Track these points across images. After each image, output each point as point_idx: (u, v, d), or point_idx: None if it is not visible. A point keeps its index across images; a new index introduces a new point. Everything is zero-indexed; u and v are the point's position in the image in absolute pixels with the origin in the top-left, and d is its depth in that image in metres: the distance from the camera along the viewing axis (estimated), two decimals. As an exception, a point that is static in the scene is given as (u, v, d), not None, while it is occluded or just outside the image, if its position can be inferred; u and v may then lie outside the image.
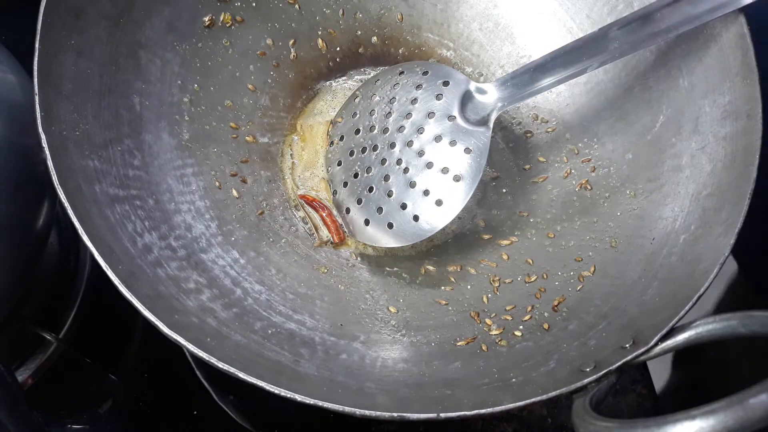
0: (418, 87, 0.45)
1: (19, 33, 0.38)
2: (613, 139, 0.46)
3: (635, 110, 0.45)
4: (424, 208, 0.43)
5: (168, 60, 0.44)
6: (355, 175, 0.46)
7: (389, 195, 0.44)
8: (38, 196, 0.39)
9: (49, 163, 0.33)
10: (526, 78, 0.42)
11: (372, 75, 0.50)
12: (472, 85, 0.44)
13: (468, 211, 0.48)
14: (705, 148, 0.40)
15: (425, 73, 0.45)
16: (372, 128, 0.46)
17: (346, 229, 0.46)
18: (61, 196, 0.33)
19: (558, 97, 0.49)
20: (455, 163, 0.43)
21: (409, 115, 0.44)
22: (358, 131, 0.47)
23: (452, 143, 0.43)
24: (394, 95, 0.46)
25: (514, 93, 0.43)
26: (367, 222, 0.45)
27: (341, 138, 0.48)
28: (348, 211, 0.46)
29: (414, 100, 0.45)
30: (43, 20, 0.35)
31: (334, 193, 0.47)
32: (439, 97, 0.44)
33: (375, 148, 0.45)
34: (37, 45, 0.35)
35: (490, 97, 0.43)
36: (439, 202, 0.43)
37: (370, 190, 0.45)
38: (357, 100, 0.48)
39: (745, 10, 0.38)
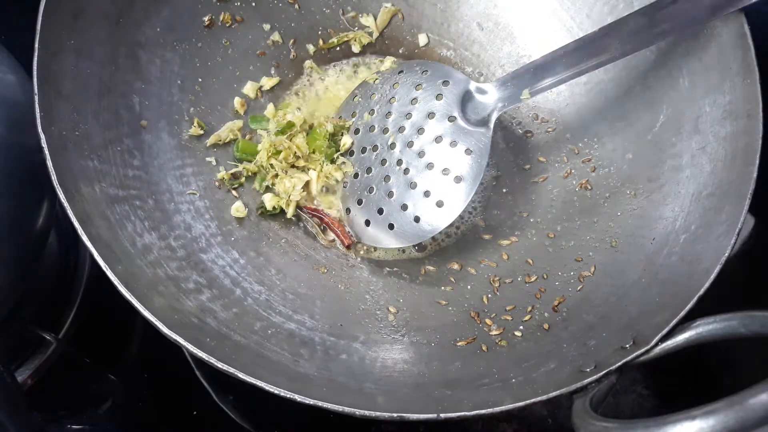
0: (418, 87, 0.45)
1: (19, 33, 0.38)
2: (613, 139, 0.46)
3: (636, 110, 0.45)
4: (425, 209, 0.43)
5: (168, 60, 0.44)
6: (356, 176, 0.46)
7: (390, 196, 0.44)
8: (38, 196, 0.39)
9: (49, 163, 0.33)
10: (527, 78, 0.42)
11: (372, 74, 0.50)
12: (472, 85, 0.44)
13: (469, 211, 0.48)
14: (705, 147, 0.40)
15: (425, 72, 0.45)
16: (372, 128, 0.46)
17: (351, 232, 0.46)
18: (61, 196, 0.33)
19: (558, 97, 0.49)
20: (456, 164, 0.43)
21: (409, 115, 0.44)
22: (357, 131, 0.47)
23: (453, 144, 0.43)
24: (394, 95, 0.45)
25: (515, 93, 0.43)
26: (367, 222, 0.45)
27: (341, 138, 0.48)
28: (348, 211, 0.46)
29: (414, 100, 0.45)
30: (43, 20, 0.35)
31: (334, 193, 0.47)
32: (439, 97, 0.44)
33: (375, 148, 0.45)
34: (36, 45, 0.35)
35: (490, 97, 0.43)
36: (440, 203, 0.43)
37: (371, 190, 0.45)
38: (356, 99, 0.48)
39: (745, 10, 0.38)
